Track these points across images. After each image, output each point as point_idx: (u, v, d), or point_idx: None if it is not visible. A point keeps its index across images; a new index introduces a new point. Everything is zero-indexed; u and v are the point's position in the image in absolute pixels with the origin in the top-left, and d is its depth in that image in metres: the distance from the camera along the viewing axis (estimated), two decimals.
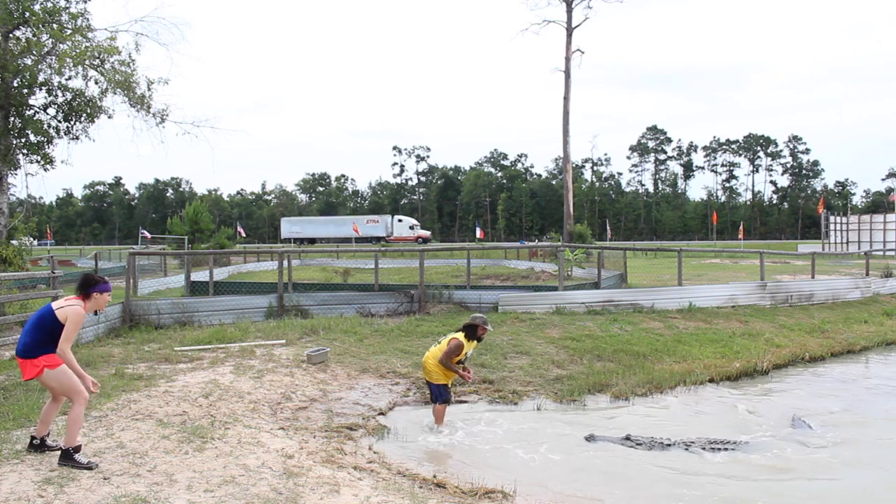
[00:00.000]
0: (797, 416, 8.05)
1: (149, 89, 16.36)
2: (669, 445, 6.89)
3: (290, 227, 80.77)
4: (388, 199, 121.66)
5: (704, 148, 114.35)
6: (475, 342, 7.69)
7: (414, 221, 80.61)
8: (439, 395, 7.54)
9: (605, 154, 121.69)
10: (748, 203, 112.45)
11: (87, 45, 15.31)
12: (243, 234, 65.59)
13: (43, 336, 5.21)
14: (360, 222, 74.71)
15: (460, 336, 7.53)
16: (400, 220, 78.72)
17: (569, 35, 36.76)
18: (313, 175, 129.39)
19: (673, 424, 7.89)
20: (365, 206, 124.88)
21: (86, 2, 16.06)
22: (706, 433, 7.43)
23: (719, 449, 6.81)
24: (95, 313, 5.63)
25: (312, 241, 76.73)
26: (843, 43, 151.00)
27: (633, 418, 8.15)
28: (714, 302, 14.96)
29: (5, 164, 15.42)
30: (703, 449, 6.82)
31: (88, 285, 5.42)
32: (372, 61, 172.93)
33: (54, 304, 5.31)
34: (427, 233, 79.71)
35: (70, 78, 15.78)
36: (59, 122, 16.11)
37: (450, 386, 7.76)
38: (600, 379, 9.48)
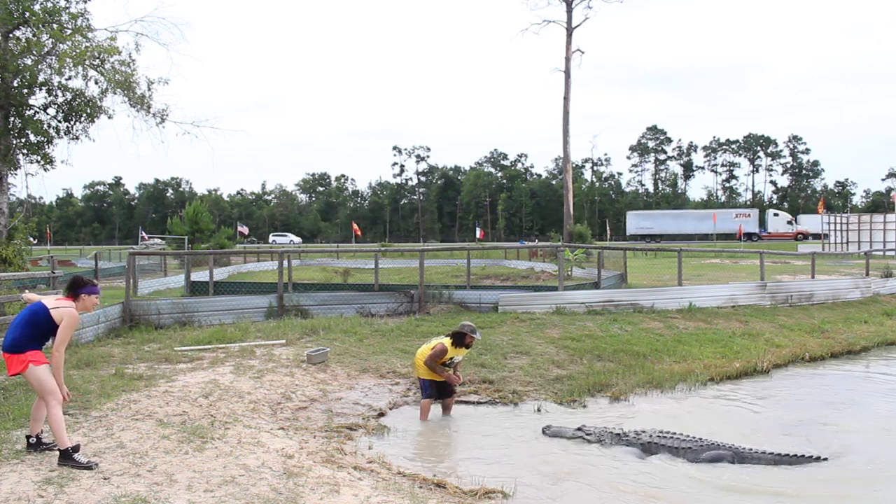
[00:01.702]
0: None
1: (149, 89, 16.40)
2: (619, 435, 6.97)
3: (640, 221, 71.29)
4: (388, 199, 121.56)
5: (704, 148, 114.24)
6: (463, 349, 7.85)
7: (789, 216, 68.65)
8: (424, 390, 7.79)
9: (605, 154, 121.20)
10: (748, 203, 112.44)
11: (87, 45, 15.34)
12: (246, 233, 64.31)
13: (33, 332, 5.24)
14: (726, 217, 64.22)
15: (447, 342, 7.72)
16: (776, 214, 68.05)
17: (569, 35, 36.75)
18: (313, 175, 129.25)
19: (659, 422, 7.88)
20: (365, 206, 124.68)
21: (86, 2, 16.13)
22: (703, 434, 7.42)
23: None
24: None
25: (662, 237, 66.86)
26: (843, 43, 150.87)
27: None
28: (714, 302, 14.96)
29: (5, 164, 15.43)
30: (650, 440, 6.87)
31: (77, 286, 5.45)
32: (372, 61, 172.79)
33: (47, 303, 5.32)
34: (808, 228, 64.93)
35: (70, 78, 15.83)
36: (59, 122, 16.13)
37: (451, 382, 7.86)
38: (600, 379, 9.48)
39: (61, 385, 5.31)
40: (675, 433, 6.90)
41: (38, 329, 5.25)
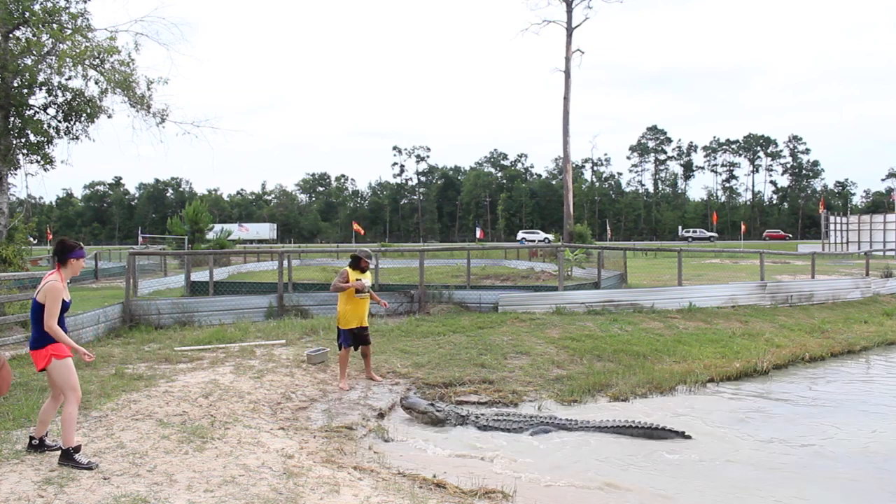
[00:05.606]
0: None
1: (148, 89, 16.39)
2: (462, 416, 7.66)
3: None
4: (387, 199, 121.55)
5: (704, 148, 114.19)
6: (359, 271, 8.84)
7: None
8: (344, 341, 8.50)
9: (605, 154, 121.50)
10: (748, 203, 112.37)
11: (87, 45, 15.32)
12: (248, 231, 64.30)
13: (40, 325, 5.22)
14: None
15: (347, 267, 8.86)
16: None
17: (569, 35, 36.74)
18: (313, 175, 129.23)
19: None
20: (365, 206, 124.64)
21: (86, 2, 16.12)
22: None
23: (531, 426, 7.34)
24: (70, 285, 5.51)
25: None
26: (844, 43, 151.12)
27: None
28: (714, 302, 14.95)
29: (5, 164, 15.42)
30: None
31: (65, 251, 5.35)
32: (372, 61, 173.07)
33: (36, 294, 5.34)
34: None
35: (70, 78, 15.81)
36: (59, 122, 16.12)
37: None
38: (600, 379, 9.48)
39: (78, 349, 5.23)
40: (510, 413, 7.74)
41: (40, 320, 5.22)
